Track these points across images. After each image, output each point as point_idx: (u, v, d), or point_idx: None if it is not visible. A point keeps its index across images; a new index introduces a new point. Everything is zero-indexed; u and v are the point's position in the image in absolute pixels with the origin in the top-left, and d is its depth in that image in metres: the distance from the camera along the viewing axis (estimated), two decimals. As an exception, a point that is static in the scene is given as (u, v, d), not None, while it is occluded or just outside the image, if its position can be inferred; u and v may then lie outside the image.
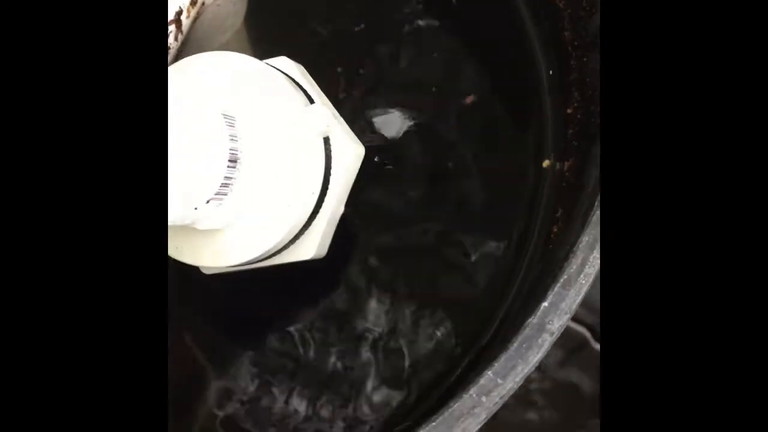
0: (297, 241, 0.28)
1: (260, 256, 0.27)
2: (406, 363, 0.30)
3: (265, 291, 0.32)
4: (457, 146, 0.33)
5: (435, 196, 0.32)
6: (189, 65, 0.27)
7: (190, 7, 0.35)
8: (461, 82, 0.34)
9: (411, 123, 0.33)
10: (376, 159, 0.32)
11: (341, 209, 0.28)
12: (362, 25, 0.35)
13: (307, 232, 0.28)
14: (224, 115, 0.25)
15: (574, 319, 0.79)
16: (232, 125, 0.25)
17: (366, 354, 0.30)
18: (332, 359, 0.31)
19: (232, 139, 0.25)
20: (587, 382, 0.75)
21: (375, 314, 0.31)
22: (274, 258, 0.28)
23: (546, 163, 0.32)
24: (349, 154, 0.27)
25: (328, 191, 0.27)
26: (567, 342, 0.75)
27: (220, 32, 0.37)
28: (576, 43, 0.31)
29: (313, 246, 0.28)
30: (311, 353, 0.31)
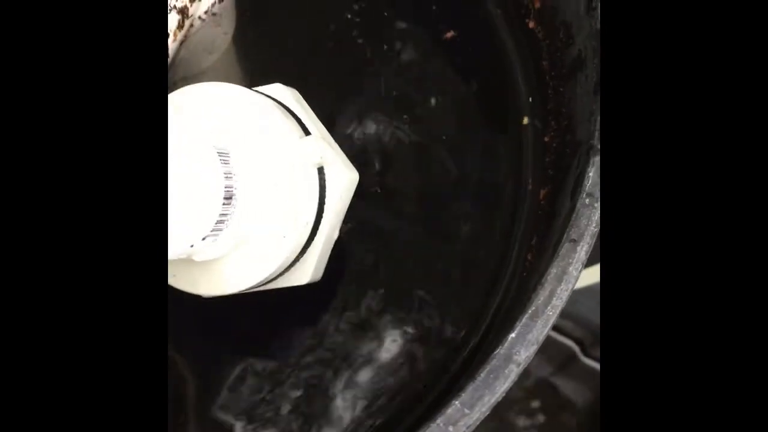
0: (293, 268, 0.28)
1: (257, 284, 0.27)
2: (378, 389, 0.30)
3: (256, 312, 0.32)
4: (438, 169, 0.33)
5: (417, 223, 0.33)
6: (182, 97, 0.27)
7: (177, 31, 0.36)
8: (443, 106, 0.35)
9: (397, 144, 0.34)
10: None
11: (336, 234, 0.29)
12: (350, 48, 0.36)
13: (302, 259, 0.28)
14: (219, 152, 0.25)
15: (562, 332, 0.79)
16: (227, 162, 0.25)
17: (336, 380, 0.31)
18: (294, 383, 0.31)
19: (227, 177, 0.25)
20: (579, 395, 0.76)
21: (344, 339, 0.31)
22: (270, 284, 0.29)
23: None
24: (343, 180, 0.28)
25: (323, 218, 0.27)
26: (556, 356, 0.75)
27: (207, 53, 0.37)
28: (553, 73, 0.32)
29: (308, 271, 0.28)
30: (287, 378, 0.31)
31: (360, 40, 0.36)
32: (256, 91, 0.28)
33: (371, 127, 0.34)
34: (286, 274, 0.28)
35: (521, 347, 0.23)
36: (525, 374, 0.70)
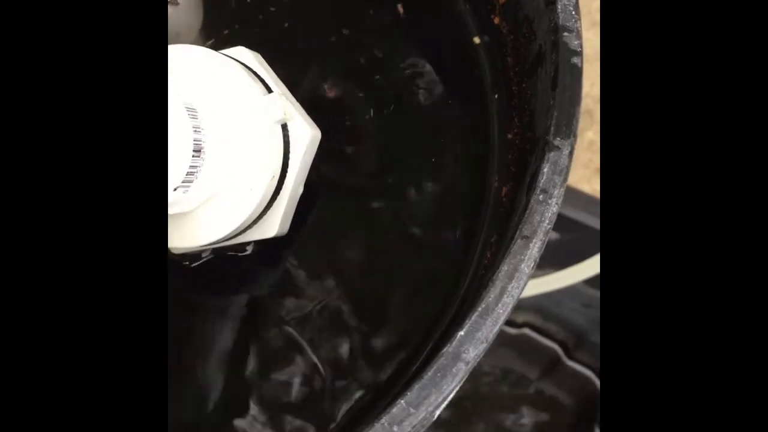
0: (260, 221, 0.30)
1: (226, 236, 0.29)
2: (326, 382, 0.30)
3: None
4: (400, 162, 0.33)
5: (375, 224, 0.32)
6: None
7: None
8: (414, 106, 0.34)
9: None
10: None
11: (300, 189, 0.30)
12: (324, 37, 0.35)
13: (269, 212, 0.30)
14: (187, 107, 0.26)
15: (546, 335, 0.79)
16: (194, 117, 0.27)
17: (280, 374, 0.30)
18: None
19: (195, 131, 0.26)
20: (563, 397, 0.75)
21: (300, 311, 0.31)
22: (239, 237, 0.30)
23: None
24: (306, 136, 0.29)
25: (288, 173, 0.29)
26: (540, 358, 0.75)
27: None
28: (517, 69, 0.31)
29: (275, 224, 0.30)
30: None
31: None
32: (220, 53, 0.30)
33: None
34: (254, 227, 0.30)
35: (470, 345, 0.23)
36: (509, 377, 0.70)
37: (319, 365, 0.30)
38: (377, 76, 0.35)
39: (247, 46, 0.30)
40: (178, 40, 0.38)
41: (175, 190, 0.26)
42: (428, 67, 0.35)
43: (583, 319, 0.73)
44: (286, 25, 0.36)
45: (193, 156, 0.26)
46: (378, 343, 0.30)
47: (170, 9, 0.36)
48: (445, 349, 0.23)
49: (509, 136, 0.31)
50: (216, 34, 0.36)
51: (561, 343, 0.73)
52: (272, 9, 0.36)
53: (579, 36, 0.26)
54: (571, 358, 0.73)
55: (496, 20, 0.33)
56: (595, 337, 0.71)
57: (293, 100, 0.30)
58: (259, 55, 0.30)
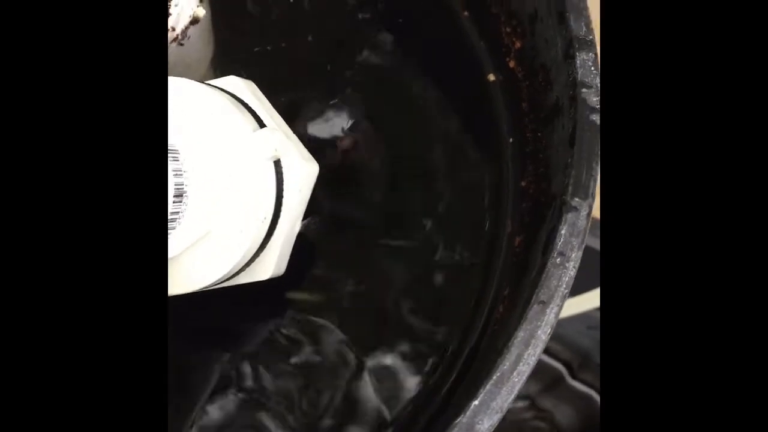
0: (253, 263, 0.28)
1: (216, 281, 0.27)
2: None
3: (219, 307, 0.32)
4: (414, 206, 0.32)
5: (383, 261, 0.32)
6: None
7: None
8: (426, 141, 0.34)
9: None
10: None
11: (297, 227, 0.28)
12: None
13: (263, 254, 0.28)
14: (168, 149, 0.25)
15: (551, 355, 0.79)
16: (176, 159, 0.25)
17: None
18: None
19: (176, 174, 0.25)
20: (566, 417, 0.75)
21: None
22: (231, 280, 0.28)
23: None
24: (301, 173, 0.27)
25: (282, 212, 0.27)
26: (543, 377, 0.75)
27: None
28: (532, 116, 0.31)
29: (270, 266, 0.28)
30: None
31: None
32: (208, 84, 0.28)
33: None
34: (247, 270, 0.28)
35: (484, 416, 0.22)
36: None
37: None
38: (389, 107, 0.35)
39: (256, 76, 0.29)
40: (188, 73, 0.37)
41: None
42: (442, 100, 0.35)
43: (588, 340, 0.73)
44: (295, 53, 0.36)
45: (174, 201, 0.25)
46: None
47: (179, 41, 0.36)
48: (458, 420, 0.22)
49: (523, 183, 0.31)
50: (224, 66, 0.36)
51: (565, 363, 0.73)
52: (283, 45, 0.36)
53: (598, 92, 0.26)
54: (575, 378, 0.73)
55: (512, 63, 0.32)
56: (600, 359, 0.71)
57: (289, 132, 0.28)
58: (253, 85, 0.28)
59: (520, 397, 0.76)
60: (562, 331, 0.72)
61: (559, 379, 0.72)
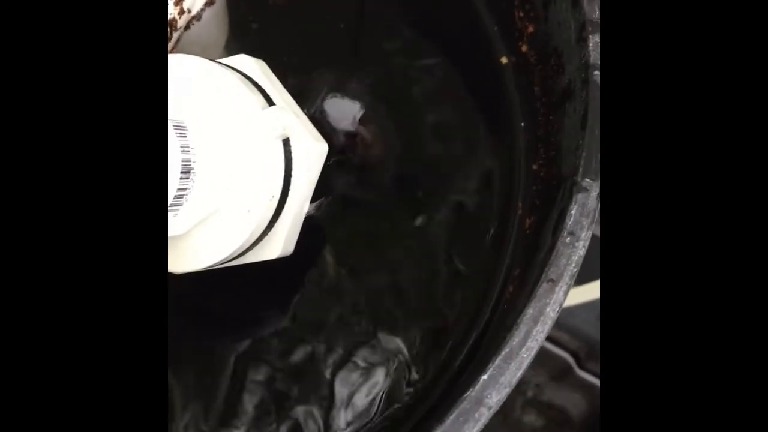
0: (261, 242, 0.28)
1: (223, 259, 0.27)
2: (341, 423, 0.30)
3: (232, 289, 0.32)
4: (425, 188, 0.33)
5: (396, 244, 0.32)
6: None
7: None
8: (442, 123, 0.34)
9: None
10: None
11: (306, 207, 0.28)
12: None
13: (271, 233, 0.28)
14: (175, 125, 0.25)
15: (558, 344, 0.79)
16: (183, 135, 0.25)
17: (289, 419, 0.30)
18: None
19: (183, 151, 0.25)
20: (574, 407, 0.75)
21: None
22: (239, 258, 0.28)
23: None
24: (311, 153, 0.27)
25: (290, 191, 0.27)
26: (552, 368, 0.75)
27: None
28: (544, 100, 0.31)
29: (278, 246, 0.28)
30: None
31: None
32: (218, 62, 0.27)
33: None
34: (255, 249, 0.28)
35: (493, 390, 0.23)
36: (520, 387, 0.70)
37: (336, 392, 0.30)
38: (402, 89, 0.35)
39: (267, 56, 0.29)
40: (204, 54, 0.38)
41: None
42: (455, 84, 0.35)
43: (596, 330, 0.73)
44: (309, 36, 0.36)
45: (181, 178, 0.25)
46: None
47: (194, 24, 0.36)
48: (467, 393, 0.23)
49: (534, 167, 0.31)
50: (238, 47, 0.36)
51: (573, 353, 0.73)
52: (296, 25, 0.36)
53: (610, 75, 0.26)
54: (582, 368, 0.73)
55: (524, 48, 0.33)
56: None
57: (299, 111, 0.28)
58: (264, 64, 0.28)
59: (527, 387, 0.77)
60: (569, 321, 0.72)
61: (566, 369, 0.72)
